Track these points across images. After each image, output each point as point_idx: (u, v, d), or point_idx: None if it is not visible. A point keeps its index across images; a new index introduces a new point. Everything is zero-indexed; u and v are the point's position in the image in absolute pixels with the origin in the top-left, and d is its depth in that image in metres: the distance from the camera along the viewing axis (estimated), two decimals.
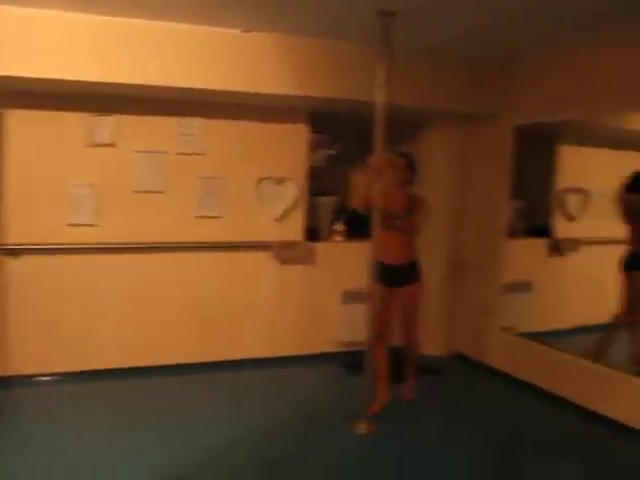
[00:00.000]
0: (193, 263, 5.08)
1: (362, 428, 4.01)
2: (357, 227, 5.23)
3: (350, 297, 5.45)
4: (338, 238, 5.55)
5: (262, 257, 5.26)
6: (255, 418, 4.21)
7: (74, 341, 4.80)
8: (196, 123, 5.00)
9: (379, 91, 3.78)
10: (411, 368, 4.67)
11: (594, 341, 4.99)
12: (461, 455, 3.79)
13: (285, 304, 5.35)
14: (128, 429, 3.99)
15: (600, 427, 4.22)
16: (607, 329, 4.99)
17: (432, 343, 5.71)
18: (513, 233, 5.72)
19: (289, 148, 5.27)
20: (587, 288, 5.95)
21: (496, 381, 5.18)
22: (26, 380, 4.66)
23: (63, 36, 3.98)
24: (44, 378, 4.72)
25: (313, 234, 5.50)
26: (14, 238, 4.58)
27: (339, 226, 5.55)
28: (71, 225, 4.73)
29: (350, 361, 5.13)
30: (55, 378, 4.74)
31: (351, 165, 5.65)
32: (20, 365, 4.66)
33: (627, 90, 4.14)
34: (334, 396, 4.72)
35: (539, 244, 5.92)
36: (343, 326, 5.45)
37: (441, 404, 4.69)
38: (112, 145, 4.77)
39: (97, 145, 4.73)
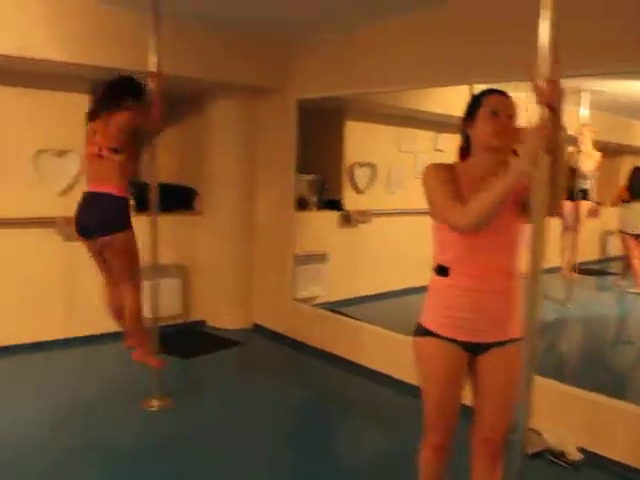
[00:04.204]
0: None
1: (153, 405, 3.92)
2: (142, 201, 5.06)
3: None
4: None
5: (47, 234, 4.92)
6: (46, 402, 3.98)
7: None
8: None
9: (151, 60, 3.65)
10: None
11: None
12: (252, 423, 3.83)
13: (76, 282, 5.06)
14: None
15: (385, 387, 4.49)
16: None
17: (230, 317, 5.76)
18: (306, 205, 5.91)
19: (70, 118, 4.94)
20: (379, 257, 6.34)
21: (292, 350, 5.30)
22: None
23: None
24: None
25: None
26: None
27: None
28: None
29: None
30: None
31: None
32: None
33: (397, 70, 4.39)
34: (127, 374, 4.53)
35: (332, 216, 6.18)
36: None
37: (238, 375, 4.73)
38: None
39: None
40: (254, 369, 4.91)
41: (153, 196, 3.87)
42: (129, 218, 3.73)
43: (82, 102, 4.86)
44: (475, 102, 2.20)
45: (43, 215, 4.90)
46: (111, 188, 3.65)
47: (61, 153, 4.98)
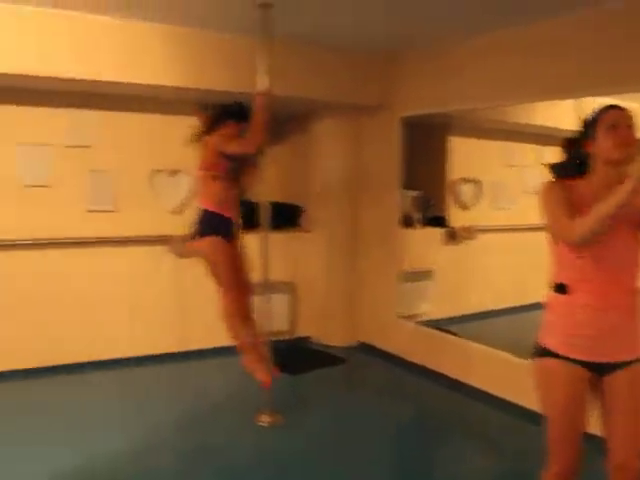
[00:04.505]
0: (86, 258, 4.91)
1: (264, 420, 3.97)
2: (254, 219, 5.20)
3: None
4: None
5: (158, 252, 5.14)
6: (159, 414, 4.13)
7: None
8: (86, 115, 4.86)
9: (261, 83, 3.76)
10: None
11: None
12: (361, 441, 3.80)
13: (186, 298, 5.25)
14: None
15: (494, 409, 4.34)
16: None
17: (335, 334, 5.79)
18: (410, 222, 5.86)
19: (181, 140, 5.17)
20: (485, 274, 6.18)
21: (398, 368, 5.23)
22: None
23: None
24: None
25: None
26: None
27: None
28: None
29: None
30: None
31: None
32: None
33: (503, 85, 4.31)
34: (237, 388, 4.65)
35: (436, 233, 6.09)
36: None
37: (345, 392, 4.73)
38: None
39: None
40: (361, 386, 4.89)
41: (264, 214, 3.98)
42: (211, 228, 3.86)
43: (191, 124, 5.09)
44: (593, 121, 2.17)
45: (157, 233, 5.13)
46: (202, 203, 3.91)
47: (174, 173, 5.21)
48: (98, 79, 4.22)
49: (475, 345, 4.70)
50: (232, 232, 3.94)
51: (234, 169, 3.91)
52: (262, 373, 3.96)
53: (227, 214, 3.90)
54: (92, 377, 4.82)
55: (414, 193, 5.92)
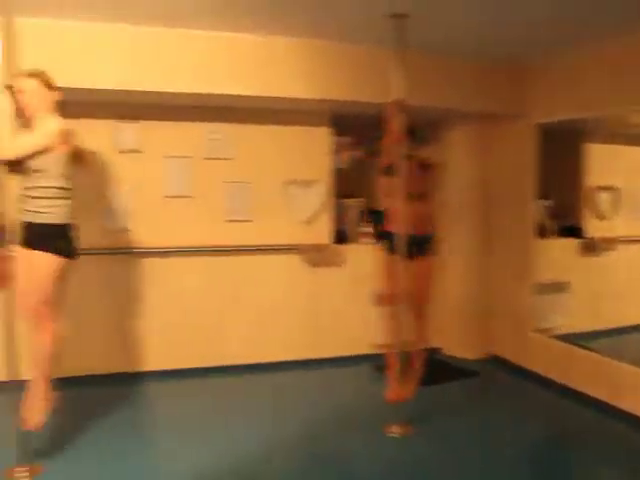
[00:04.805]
0: (224, 267, 5.11)
1: (395, 431, 3.95)
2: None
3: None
4: (367, 240, 5.52)
5: (292, 260, 5.26)
6: (292, 420, 4.19)
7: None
8: (223, 128, 5.06)
9: (395, 93, 3.78)
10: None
11: None
12: (496, 458, 3.70)
13: (316, 307, 5.34)
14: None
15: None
16: None
17: (467, 346, 5.66)
18: (544, 233, 5.65)
19: (314, 151, 5.30)
20: (624, 287, 5.84)
21: (532, 384, 5.06)
22: None
23: (92, 47, 4.04)
24: None
25: (341, 236, 5.48)
26: None
27: (367, 228, 5.53)
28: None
29: (384, 363, 5.10)
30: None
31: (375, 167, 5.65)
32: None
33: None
34: (368, 398, 4.65)
35: (572, 244, 5.84)
36: (377, 328, 5.40)
37: (478, 407, 4.60)
38: (138, 151, 4.87)
39: (124, 151, 4.81)
40: (494, 401, 4.75)
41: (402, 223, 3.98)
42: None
43: (323, 135, 5.18)
44: None
45: (291, 242, 5.25)
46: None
47: (306, 184, 5.31)
48: (244, 94, 4.41)
49: (625, 366, 4.39)
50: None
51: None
52: (391, 389, 4.08)
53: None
54: (225, 381, 4.98)
55: (547, 202, 5.70)
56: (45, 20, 3.91)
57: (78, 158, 3.64)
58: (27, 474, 3.31)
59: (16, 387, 3.33)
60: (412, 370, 4.46)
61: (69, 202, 3.46)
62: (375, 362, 5.24)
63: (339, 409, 4.43)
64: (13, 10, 3.28)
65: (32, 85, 3.38)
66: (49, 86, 3.43)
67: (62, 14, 3.87)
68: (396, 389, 4.23)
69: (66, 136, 3.41)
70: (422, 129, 4.21)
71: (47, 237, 3.39)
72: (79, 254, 3.57)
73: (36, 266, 3.37)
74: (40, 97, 3.41)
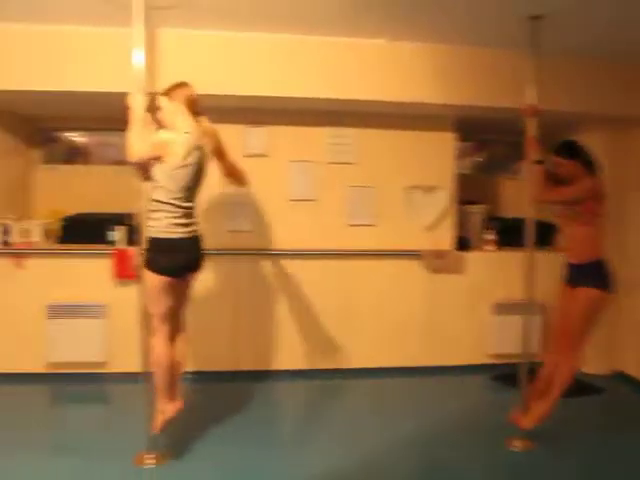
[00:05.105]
0: (347, 271, 5.18)
1: (517, 445, 3.85)
2: (509, 236, 5.10)
3: (502, 308, 5.27)
4: (489, 247, 5.41)
5: (413, 266, 5.25)
6: (409, 427, 4.19)
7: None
8: (346, 133, 5.13)
9: (529, 97, 3.71)
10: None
11: None
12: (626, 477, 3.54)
13: (436, 313, 5.29)
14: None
15: None
16: None
17: (589, 361, 5.40)
18: None
19: (437, 156, 5.25)
20: None
21: None
22: None
23: (221, 54, 4.26)
24: None
25: (463, 243, 5.40)
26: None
27: (490, 235, 5.42)
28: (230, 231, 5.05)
29: (503, 374, 5.01)
30: None
31: (499, 172, 5.53)
32: None
33: None
34: (487, 409, 4.60)
35: None
36: (495, 338, 5.30)
37: (603, 425, 4.41)
38: (265, 155, 5.03)
39: (250, 155, 4.96)
40: (622, 419, 4.53)
41: (529, 232, 3.87)
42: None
43: (447, 140, 5.13)
44: None
45: (412, 247, 5.23)
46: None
47: (429, 189, 5.27)
48: (372, 99, 4.49)
49: None
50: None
51: None
52: (516, 411, 3.92)
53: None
54: (348, 383, 5.07)
55: None
56: (185, 30, 4.16)
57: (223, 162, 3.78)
58: (154, 461, 3.53)
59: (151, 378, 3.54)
60: (549, 395, 3.94)
61: (174, 216, 3.34)
62: (494, 372, 5.16)
63: (460, 418, 4.38)
64: (157, 23, 3.50)
65: (166, 103, 3.43)
66: (184, 101, 3.41)
67: (203, 24, 4.11)
68: (525, 412, 3.92)
69: (164, 148, 3.28)
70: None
71: (152, 252, 3.37)
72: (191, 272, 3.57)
73: (149, 282, 3.39)
74: (173, 114, 3.41)
